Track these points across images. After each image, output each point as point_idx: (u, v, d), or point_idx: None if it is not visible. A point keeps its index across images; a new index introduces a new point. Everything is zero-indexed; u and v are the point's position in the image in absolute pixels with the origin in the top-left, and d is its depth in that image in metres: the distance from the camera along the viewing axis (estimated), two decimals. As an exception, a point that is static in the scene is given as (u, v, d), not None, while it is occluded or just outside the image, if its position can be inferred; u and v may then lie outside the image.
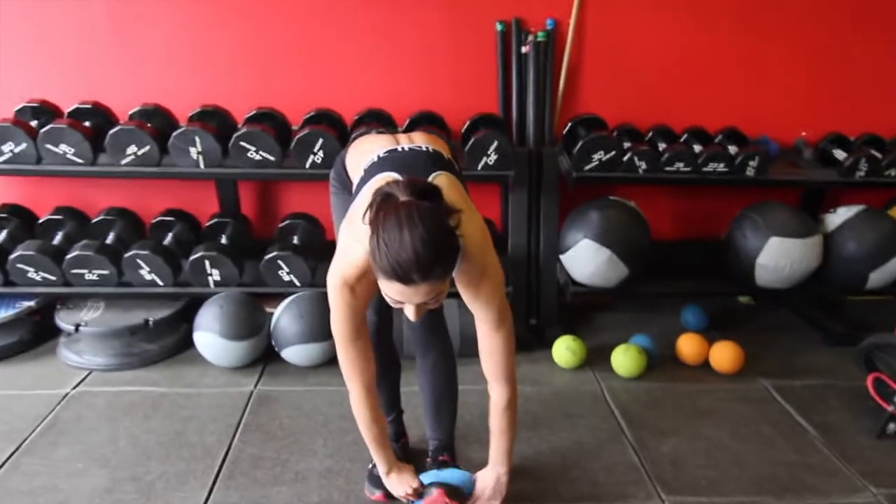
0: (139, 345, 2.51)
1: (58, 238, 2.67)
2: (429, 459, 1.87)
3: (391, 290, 1.29)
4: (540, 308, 2.77)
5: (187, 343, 2.55)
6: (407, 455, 1.94)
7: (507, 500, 1.71)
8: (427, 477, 1.74)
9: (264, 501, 1.81)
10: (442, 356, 1.82)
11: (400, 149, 1.52)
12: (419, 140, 1.57)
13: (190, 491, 1.83)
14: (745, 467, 1.99)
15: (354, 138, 1.71)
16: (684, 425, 2.19)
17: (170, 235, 2.71)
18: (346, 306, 1.43)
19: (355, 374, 1.53)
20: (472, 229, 1.39)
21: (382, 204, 1.25)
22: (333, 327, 1.48)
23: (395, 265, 1.21)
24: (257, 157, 2.43)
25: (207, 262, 2.50)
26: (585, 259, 2.54)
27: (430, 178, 1.42)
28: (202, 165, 2.44)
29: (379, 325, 1.77)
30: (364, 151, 1.56)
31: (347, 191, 1.61)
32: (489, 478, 1.70)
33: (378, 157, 1.50)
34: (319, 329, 2.39)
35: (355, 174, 1.55)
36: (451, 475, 1.74)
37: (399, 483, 1.70)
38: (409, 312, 1.33)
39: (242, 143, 2.41)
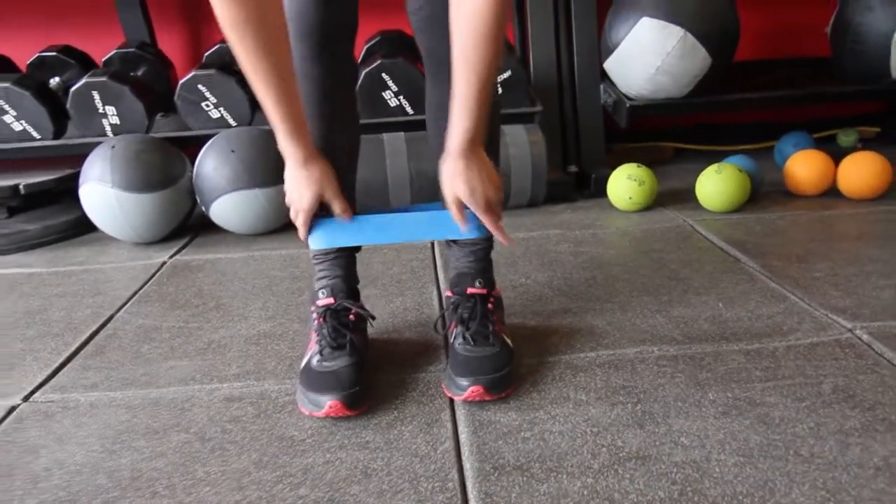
0: (10, 223, 1.74)
1: None
2: (449, 294, 1.02)
3: None
4: (581, 148, 1.97)
5: (86, 224, 1.78)
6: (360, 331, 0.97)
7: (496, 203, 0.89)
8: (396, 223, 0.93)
9: (145, 379, 1.02)
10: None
11: None
12: None
13: (18, 376, 1.05)
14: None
15: None
16: (833, 249, 1.39)
17: (55, 80, 1.94)
18: None
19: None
20: None
21: None
22: None
23: None
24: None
25: (96, 95, 1.72)
26: (646, 49, 1.74)
27: None
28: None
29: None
30: None
31: None
32: (448, 169, 0.87)
33: None
34: (260, 167, 1.61)
35: None
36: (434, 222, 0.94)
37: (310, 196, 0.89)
38: None
39: None
